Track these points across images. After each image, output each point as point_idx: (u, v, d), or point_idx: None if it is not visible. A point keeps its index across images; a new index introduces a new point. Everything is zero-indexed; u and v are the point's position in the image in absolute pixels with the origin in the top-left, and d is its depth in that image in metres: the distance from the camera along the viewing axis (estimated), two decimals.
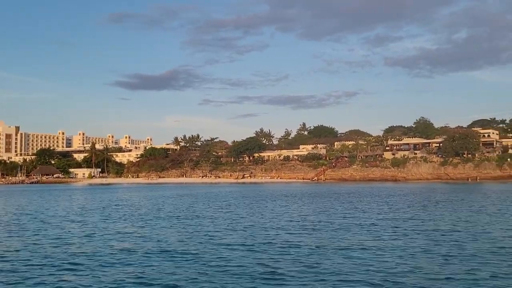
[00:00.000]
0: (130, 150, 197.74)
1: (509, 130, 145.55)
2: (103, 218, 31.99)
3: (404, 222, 27.38)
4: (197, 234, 23.14)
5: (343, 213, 33.28)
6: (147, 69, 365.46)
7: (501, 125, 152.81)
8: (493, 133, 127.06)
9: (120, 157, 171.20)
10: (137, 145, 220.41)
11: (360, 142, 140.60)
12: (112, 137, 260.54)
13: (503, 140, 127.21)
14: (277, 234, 22.50)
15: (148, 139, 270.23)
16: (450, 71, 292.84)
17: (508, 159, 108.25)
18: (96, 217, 32.79)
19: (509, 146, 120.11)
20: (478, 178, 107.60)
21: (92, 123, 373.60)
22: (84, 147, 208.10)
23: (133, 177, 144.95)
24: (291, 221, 28.44)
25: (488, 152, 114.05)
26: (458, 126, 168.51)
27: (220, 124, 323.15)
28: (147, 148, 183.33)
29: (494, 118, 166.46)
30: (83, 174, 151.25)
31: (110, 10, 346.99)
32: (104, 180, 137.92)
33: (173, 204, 44.29)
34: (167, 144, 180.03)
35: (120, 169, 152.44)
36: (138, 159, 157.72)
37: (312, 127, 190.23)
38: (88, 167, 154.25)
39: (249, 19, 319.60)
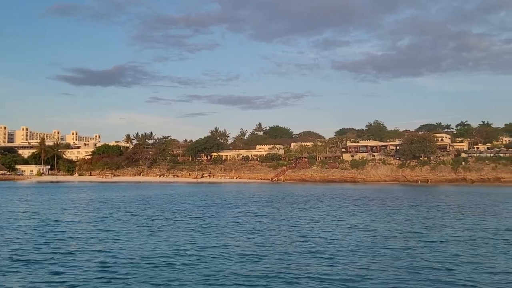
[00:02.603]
0: (78, 147, 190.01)
1: (458, 134, 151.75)
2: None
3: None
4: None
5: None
6: (93, 64, 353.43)
7: (445, 130, 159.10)
8: (446, 137, 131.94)
9: (69, 154, 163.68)
10: (86, 142, 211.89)
11: (318, 143, 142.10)
12: (58, 133, 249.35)
13: (454, 144, 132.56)
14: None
15: (96, 136, 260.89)
16: (394, 77, 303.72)
17: (463, 163, 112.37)
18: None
19: (461, 150, 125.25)
20: (429, 180, 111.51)
21: (36, 118, 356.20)
22: (29, 142, 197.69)
23: (85, 175, 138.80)
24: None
25: (442, 156, 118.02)
26: (406, 130, 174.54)
27: (168, 122, 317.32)
28: (97, 145, 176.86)
29: (440, 123, 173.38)
30: (31, 171, 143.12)
31: (56, 2, 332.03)
32: (54, 178, 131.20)
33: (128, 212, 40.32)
34: (117, 142, 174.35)
35: (71, 167, 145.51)
36: (90, 156, 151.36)
37: (267, 128, 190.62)
38: (36, 164, 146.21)
39: (200, 17, 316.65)
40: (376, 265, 17.07)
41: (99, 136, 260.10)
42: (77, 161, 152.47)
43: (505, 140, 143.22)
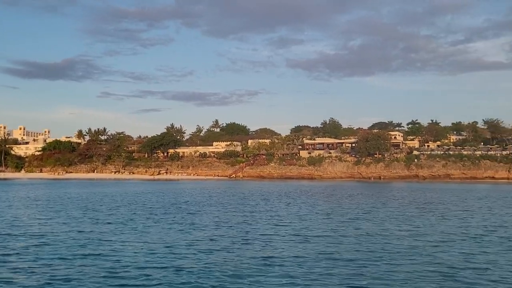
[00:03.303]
0: (27, 143, 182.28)
1: (410, 132, 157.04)
2: None
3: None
4: None
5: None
6: (41, 56, 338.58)
7: (397, 128, 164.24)
8: (399, 135, 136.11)
9: (17, 150, 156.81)
10: (35, 138, 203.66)
11: (276, 140, 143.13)
12: (5, 127, 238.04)
13: (406, 142, 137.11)
14: None
15: (45, 131, 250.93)
16: (346, 76, 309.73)
17: (415, 160, 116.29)
18: None
19: (413, 148, 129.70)
20: (381, 177, 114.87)
21: None
22: None
23: (36, 171, 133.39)
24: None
25: (396, 153, 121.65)
26: (360, 128, 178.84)
27: (121, 118, 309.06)
28: (47, 140, 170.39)
29: (392, 121, 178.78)
30: None
31: None
32: (2, 175, 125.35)
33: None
34: (68, 138, 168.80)
35: (20, 163, 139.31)
36: (40, 152, 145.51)
37: (224, 124, 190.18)
38: None
39: (154, 11, 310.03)
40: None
41: (48, 132, 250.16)
42: (26, 157, 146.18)
43: (453, 138, 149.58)
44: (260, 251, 19.89)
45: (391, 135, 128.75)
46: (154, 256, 18.79)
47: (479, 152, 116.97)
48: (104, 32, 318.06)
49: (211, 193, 59.49)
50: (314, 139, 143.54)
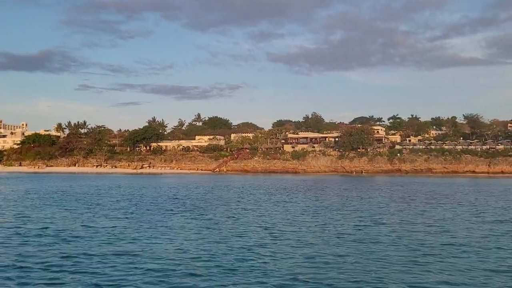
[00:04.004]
0: (4, 136, 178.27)
1: (391, 127, 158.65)
2: None
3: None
4: None
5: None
6: (17, 48, 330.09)
7: (378, 123, 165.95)
8: (381, 130, 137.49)
9: None
10: (12, 130, 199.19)
11: (259, 134, 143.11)
12: None
13: (388, 136, 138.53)
14: None
15: (22, 124, 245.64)
16: (326, 70, 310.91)
17: (398, 154, 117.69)
18: None
19: (395, 142, 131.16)
20: (363, 171, 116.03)
21: None
22: None
23: (15, 165, 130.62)
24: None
25: (379, 147, 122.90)
26: (341, 123, 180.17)
27: (100, 111, 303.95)
28: (25, 133, 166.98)
29: (372, 116, 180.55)
30: None
31: None
32: None
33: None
34: (47, 131, 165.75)
35: None
36: (19, 145, 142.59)
37: (206, 118, 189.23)
38: None
39: (133, 3, 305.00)
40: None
41: (26, 125, 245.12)
42: (4, 150, 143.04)
43: (433, 133, 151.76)
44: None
45: (374, 129, 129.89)
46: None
47: (460, 147, 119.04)
48: (82, 23, 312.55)
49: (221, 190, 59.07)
50: (297, 133, 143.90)
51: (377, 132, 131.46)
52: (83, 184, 66.02)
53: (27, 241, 21.26)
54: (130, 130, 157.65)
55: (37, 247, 19.73)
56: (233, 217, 30.02)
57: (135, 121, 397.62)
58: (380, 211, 33.32)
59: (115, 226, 25.51)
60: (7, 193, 48.76)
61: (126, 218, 29.30)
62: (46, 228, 24.96)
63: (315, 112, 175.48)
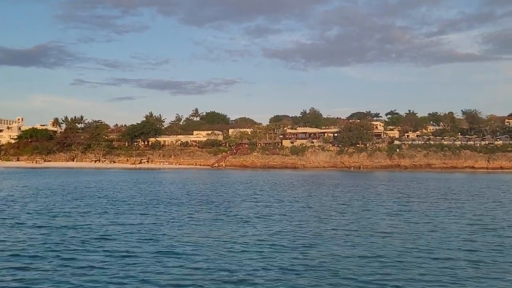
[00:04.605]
0: (1, 131, 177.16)
1: (390, 123, 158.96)
2: None
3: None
4: None
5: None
6: (12, 42, 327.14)
7: (375, 118, 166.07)
8: (380, 125, 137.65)
9: None
10: (9, 125, 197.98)
11: (258, 130, 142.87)
12: None
13: (387, 132, 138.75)
14: None
15: (18, 119, 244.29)
16: (322, 66, 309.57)
17: (397, 150, 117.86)
18: None
19: (394, 138, 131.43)
20: (361, 167, 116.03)
21: None
22: None
23: (12, 160, 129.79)
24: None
25: (377, 143, 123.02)
26: (338, 118, 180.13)
27: (95, 106, 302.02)
28: (21, 128, 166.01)
29: (370, 112, 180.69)
30: None
31: None
32: None
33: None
34: (43, 126, 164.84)
35: None
36: (16, 140, 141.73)
37: (204, 113, 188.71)
38: None
39: None
40: None
41: (22, 119, 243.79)
42: (1, 145, 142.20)
43: (431, 129, 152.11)
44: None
45: (373, 125, 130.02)
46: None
47: (459, 142, 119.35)
48: (78, 18, 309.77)
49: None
50: (295, 129, 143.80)
51: (376, 127, 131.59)
52: (90, 180, 65.53)
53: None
54: (127, 125, 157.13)
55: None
56: (258, 214, 29.85)
57: (131, 116, 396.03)
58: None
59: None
60: (20, 189, 48.30)
61: (154, 214, 29.06)
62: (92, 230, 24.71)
63: (313, 107, 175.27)
